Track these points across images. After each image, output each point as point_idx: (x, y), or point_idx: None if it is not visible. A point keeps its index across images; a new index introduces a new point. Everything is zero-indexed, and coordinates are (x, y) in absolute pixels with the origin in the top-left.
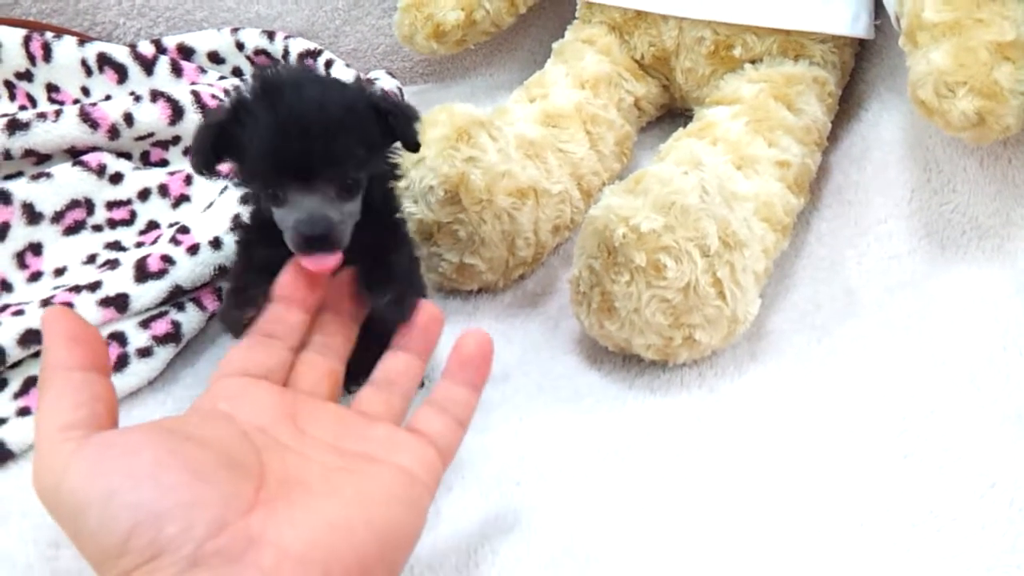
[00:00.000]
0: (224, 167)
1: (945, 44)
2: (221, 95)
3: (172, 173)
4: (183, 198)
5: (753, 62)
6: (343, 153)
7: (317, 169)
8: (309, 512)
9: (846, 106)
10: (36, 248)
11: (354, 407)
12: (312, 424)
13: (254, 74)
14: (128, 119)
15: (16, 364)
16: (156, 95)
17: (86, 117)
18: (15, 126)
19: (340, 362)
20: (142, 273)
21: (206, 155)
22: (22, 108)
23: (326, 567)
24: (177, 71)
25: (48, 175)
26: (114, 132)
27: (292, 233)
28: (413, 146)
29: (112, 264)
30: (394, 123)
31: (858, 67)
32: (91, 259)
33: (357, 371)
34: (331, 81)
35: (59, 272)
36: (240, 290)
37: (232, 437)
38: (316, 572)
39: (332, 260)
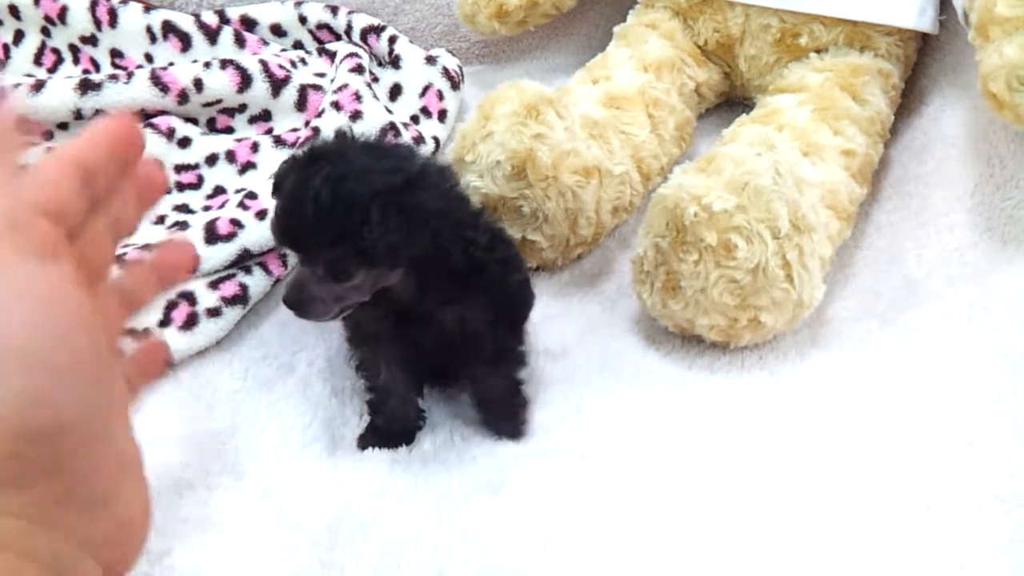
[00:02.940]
0: None
1: (1018, 38)
2: (288, 66)
3: (239, 140)
4: (249, 165)
5: (818, 51)
6: (324, 241)
7: (304, 250)
8: None
9: (907, 100)
10: None
11: None
12: None
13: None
14: (198, 85)
15: None
16: (225, 63)
17: (157, 81)
18: (87, 86)
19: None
20: (212, 235)
21: None
22: (85, 72)
23: None
24: (240, 42)
25: None
26: (183, 97)
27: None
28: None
29: (181, 226)
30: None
31: (920, 62)
32: (160, 220)
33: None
34: (347, 166)
35: None
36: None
37: None
38: None
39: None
